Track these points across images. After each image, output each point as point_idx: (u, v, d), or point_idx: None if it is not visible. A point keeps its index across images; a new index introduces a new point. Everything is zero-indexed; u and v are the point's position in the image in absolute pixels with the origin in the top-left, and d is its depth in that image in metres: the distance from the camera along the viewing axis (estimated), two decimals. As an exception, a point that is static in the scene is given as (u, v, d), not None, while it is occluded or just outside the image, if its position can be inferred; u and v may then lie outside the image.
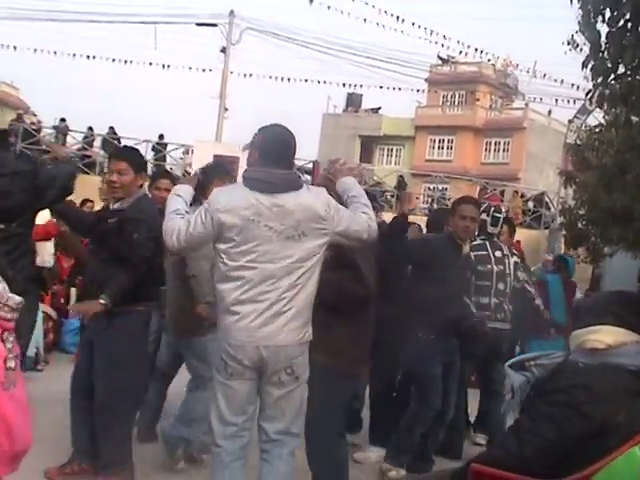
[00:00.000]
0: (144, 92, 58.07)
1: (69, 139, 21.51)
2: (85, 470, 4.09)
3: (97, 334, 4.02)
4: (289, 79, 25.73)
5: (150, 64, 25.29)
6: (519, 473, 2.38)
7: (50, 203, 4.24)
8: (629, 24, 4.56)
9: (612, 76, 4.96)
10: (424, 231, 6.06)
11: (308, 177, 14.91)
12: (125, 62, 24.95)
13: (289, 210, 3.16)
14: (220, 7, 24.29)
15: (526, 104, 36.43)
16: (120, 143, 19.67)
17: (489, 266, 5.44)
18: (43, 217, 5.39)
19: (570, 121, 19.96)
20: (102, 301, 3.84)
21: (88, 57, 24.80)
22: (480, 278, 5.41)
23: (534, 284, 7.48)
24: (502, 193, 23.07)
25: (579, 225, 12.85)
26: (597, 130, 12.95)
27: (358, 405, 5.31)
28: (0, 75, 34.67)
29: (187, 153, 20.76)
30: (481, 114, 39.33)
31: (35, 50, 24.62)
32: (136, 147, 4.90)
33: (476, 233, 5.38)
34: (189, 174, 16.97)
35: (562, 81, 22.25)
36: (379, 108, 41.67)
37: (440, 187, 26.99)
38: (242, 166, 4.05)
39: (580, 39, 5.54)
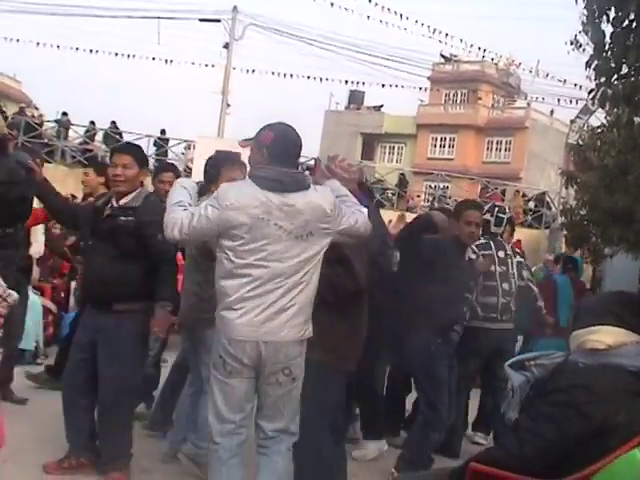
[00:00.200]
0: (146, 87, 58.15)
1: (71, 133, 21.52)
2: (83, 464, 4.09)
3: (103, 332, 3.97)
4: (291, 75, 25.70)
5: (153, 59, 25.26)
6: (519, 473, 2.38)
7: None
8: (634, 24, 4.55)
9: (615, 76, 4.95)
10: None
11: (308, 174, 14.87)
12: (128, 56, 25.00)
13: (299, 210, 3.16)
14: (223, 3, 24.28)
15: (528, 103, 36.41)
16: (122, 138, 19.72)
17: (492, 266, 5.44)
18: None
19: (572, 121, 19.93)
20: (168, 308, 3.88)
21: (91, 51, 24.82)
22: (486, 278, 5.41)
23: (542, 284, 7.52)
24: (503, 192, 23.08)
25: (580, 225, 12.84)
26: (599, 130, 12.93)
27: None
28: (2, 68, 34.73)
29: (189, 148, 20.77)
30: (483, 113, 39.30)
31: (38, 43, 24.67)
32: (137, 143, 4.88)
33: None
34: (190, 170, 17.03)
35: (565, 81, 22.27)
36: (381, 106, 41.65)
37: (441, 185, 27.01)
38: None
39: (583, 39, 5.53)
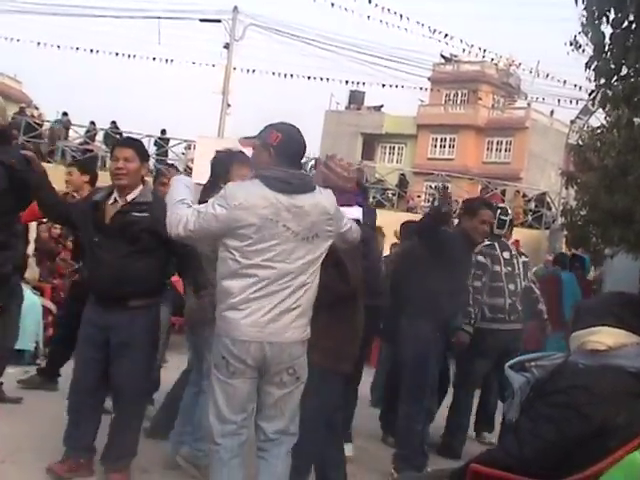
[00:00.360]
0: (147, 87, 58.13)
1: (71, 133, 21.52)
2: (83, 466, 4.08)
3: (117, 330, 3.94)
4: (292, 76, 25.67)
5: (153, 59, 25.23)
6: (519, 474, 2.38)
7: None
8: (633, 25, 4.55)
9: (615, 77, 4.95)
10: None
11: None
12: (128, 57, 24.99)
13: (306, 211, 3.17)
14: (224, 3, 24.24)
15: (528, 104, 36.40)
16: (122, 137, 19.67)
17: (498, 267, 5.45)
18: None
19: (572, 122, 19.92)
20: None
21: (91, 51, 24.80)
22: (492, 279, 5.42)
23: (545, 279, 7.53)
24: (503, 193, 23.06)
25: (580, 226, 12.82)
26: (599, 131, 12.91)
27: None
28: (3, 68, 34.73)
29: (189, 148, 20.76)
30: (483, 113, 39.31)
31: (38, 44, 24.65)
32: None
33: None
34: (191, 169, 17.03)
35: (565, 81, 22.26)
36: (381, 106, 41.67)
37: (442, 186, 26.96)
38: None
39: (583, 40, 5.53)
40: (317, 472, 3.91)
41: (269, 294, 3.13)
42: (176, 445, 4.43)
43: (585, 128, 16.84)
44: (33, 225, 6.22)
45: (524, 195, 22.82)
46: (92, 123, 21.47)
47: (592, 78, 5.23)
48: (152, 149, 20.15)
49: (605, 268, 12.64)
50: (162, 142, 21.03)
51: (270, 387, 3.24)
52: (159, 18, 23.63)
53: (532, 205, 21.71)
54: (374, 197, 21.61)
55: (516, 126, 37.77)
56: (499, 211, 5.80)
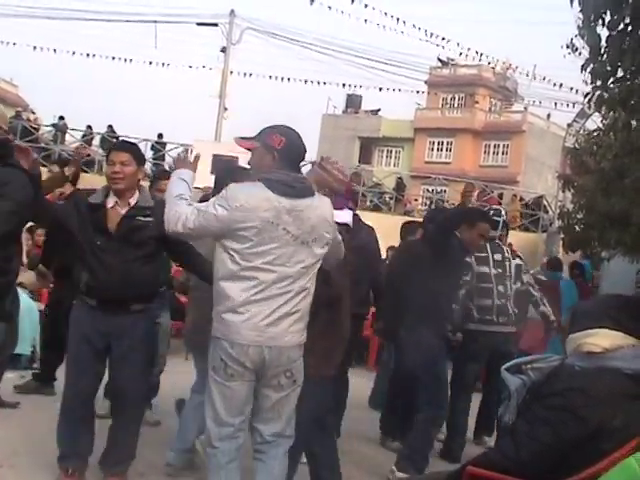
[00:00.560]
0: (144, 91, 58.11)
1: (68, 137, 21.51)
2: (75, 473, 4.05)
3: (120, 334, 3.92)
4: (289, 79, 25.74)
5: (150, 63, 25.24)
6: (515, 476, 2.38)
7: None
8: (629, 28, 4.56)
9: (611, 79, 4.96)
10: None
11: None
12: (125, 60, 24.94)
13: (306, 216, 3.18)
14: (221, 7, 24.31)
15: (525, 107, 36.45)
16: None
17: (486, 269, 5.44)
18: None
19: (569, 125, 19.94)
20: None
21: (88, 55, 24.79)
22: (480, 280, 5.42)
23: (546, 284, 7.50)
24: (500, 196, 23.07)
25: (577, 229, 12.82)
26: (595, 134, 12.92)
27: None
28: (-1, 72, 34.65)
29: (186, 152, 20.72)
30: (480, 117, 39.36)
31: (35, 47, 24.59)
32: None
33: None
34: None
35: (561, 85, 22.32)
36: (378, 110, 41.69)
37: (439, 189, 26.99)
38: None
39: (579, 43, 5.54)
40: (311, 473, 3.91)
41: (269, 298, 3.13)
42: (180, 453, 4.41)
43: (582, 131, 16.86)
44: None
45: (521, 198, 22.84)
46: (89, 127, 21.47)
47: (588, 81, 5.23)
48: (149, 153, 20.14)
49: (602, 271, 12.65)
50: (159, 146, 21.01)
51: (267, 390, 3.23)
52: (155, 22, 23.64)
53: (529, 208, 21.72)
54: (371, 201, 21.62)
55: (513, 129, 37.81)
56: (492, 212, 5.82)
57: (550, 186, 25.34)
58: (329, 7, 22.67)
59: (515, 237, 6.55)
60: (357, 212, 5.12)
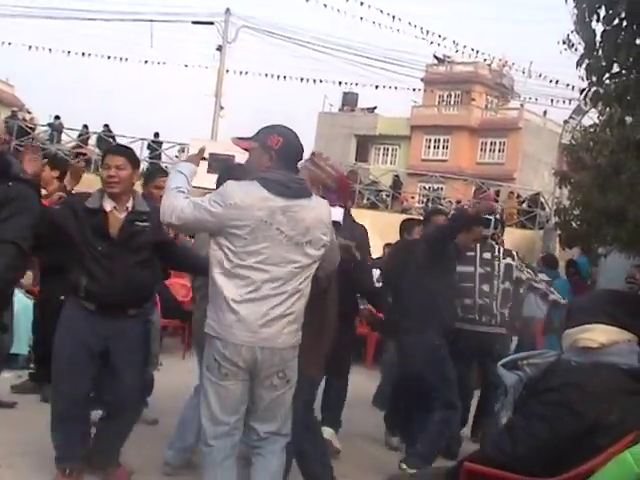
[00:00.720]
0: (139, 90, 57.99)
1: (64, 137, 21.50)
2: (73, 474, 4.05)
3: (119, 337, 3.93)
4: (285, 77, 25.69)
5: (146, 62, 25.23)
6: (512, 472, 2.38)
7: None
8: (624, 23, 4.55)
9: (607, 75, 4.94)
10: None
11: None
12: (120, 60, 24.93)
13: (301, 217, 3.18)
14: (216, 5, 24.26)
15: (521, 104, 36.46)
16: (115, 141, 19.67)
17: (471, 268, 5.41)
18: None
19: (565, 121, 19.97)
20: None
21: (83, 54, 24.76)
22: (462, 280, 5.38)
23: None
24: (497, 193, 23.10)
25: (573, 225, 12.85)
26: (592, 130, 12.95)
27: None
28: (-5, 72, 34.57)
29: (183, 151, 20.73)
30: (477, 114, 39.37)
31: (30, 47, 24.57)
32: (131, 146, 4.81)
33: None
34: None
35: (557, 81, 22.30)
36: (375, 107, 41.70)
37: (435, 187, 27.04)
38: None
39: (575, 39, 5.53)
40: (302, 470, 3.93)
41: (262, 298, 3.12)
42: (180, 452, 4.41)
43: (578, 128, 16.89)
44: None
45: (518, 195, 22.87)
46: (85, 127, 21.47)
47: (584, 77, 5.21)
48: (145, 152, 20.16)
49: (599, 267, 12.67)
50: (155, 145, 21.02)
51: (261, 390, 3.23)
52: (151, 21, 23.63)
53: (526, 205, 21.75)
54: (368, 199, 21.64)
55: (509, 127, 37.83)
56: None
57: (547, 183, 25.39)
58: (325, 5, 22.72)
59: (512, 234, 6.54)
60: (351, 210, 5.11)
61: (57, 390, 4.02)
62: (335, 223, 3.66)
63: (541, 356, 2.71)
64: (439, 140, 39.60)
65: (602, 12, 4.64)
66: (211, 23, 22.98)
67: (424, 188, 28.16)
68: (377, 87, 26.43)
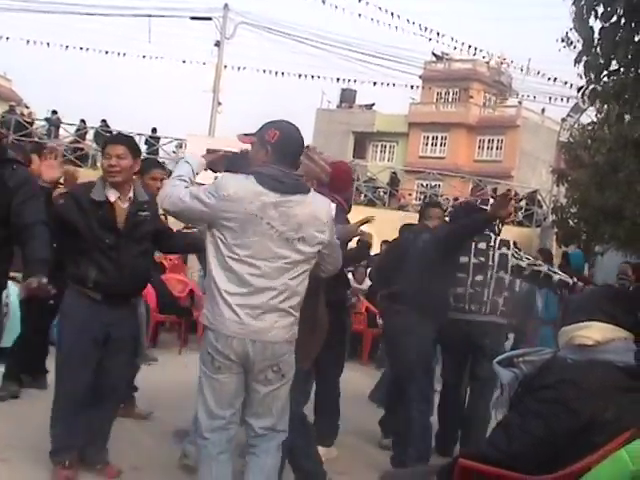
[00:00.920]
0: (137, 85, 57.86)
1: (61, 131, 21.46)
2: (73, 466, 4.05)
3: (119, 326, 3.99)
4: (283, 73, 25.67)
5: (143, 57, 25.25)
6: (507, 469, 2.38)
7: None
8: (622, 20, 4.54)
9: (605, 72, 4.93)
10: None
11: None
12: (118, 54, 24.92)
13: (294, 212, 3.17)
14: (214, 1, 24.24)
15: (519, 102, 36.49)
16: (112, 136, 19.59)
17: (466, 258, 5.38)
18: None
19: (563, 119, 19.99)
20: None
21: (81, 49, 24.74)
22: (457, 270, 5.36)
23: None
24: (495, 191, 23.10)
25: (571, 223, 12.87)
26: (590, 128, 12.96)
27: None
28: (-8, 66, 34.53)
29: (180, 147, 20.72)
30: (475, 111, 39.38)
31: (28, 41, 24.49)
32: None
33: None
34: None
35: (555, 79, 22.31)
36: (373, 104, 41.69)
37: (433, 184, 27.00)
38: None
39: (574, 36, 5.52)
40: (291, 464, 3.92)
41: (252, 291, 3.13)
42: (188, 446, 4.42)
43: (576, 126, 16.88)
44: None
45: (515, 193, 22.89)
46: (82, 121, 21.43)
47: (582, 74, 5.20)
48: (143, 148, 20.09)
49: (596, 266, 12.69)
50: (153, 140, 20.99)
51: (255, 384, 3.23)
52: (149, 16, 23.61)
53: (523, 203, 21.76)
54: (365, 195, 21.64)
55: (507, 124, 37.84)
56: (479, 201, 5.78)
57: (544, 181, 25.39)
58: (323, 1, 22.69)
59: (509, 232, 6.47)
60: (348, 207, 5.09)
61: (63, 379, 4.02)
62: None
63: (537, 353, 2.71)
64: (437, 137, 39.61)
65: (600, 9, 4.63)
66: (209, 19, 22.96)
67: (421, 185, 28.11)
68: (375, 84, 26.44)
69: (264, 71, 25.72)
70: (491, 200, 5.80)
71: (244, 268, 3.12)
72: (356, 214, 5.32)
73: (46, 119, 21.87)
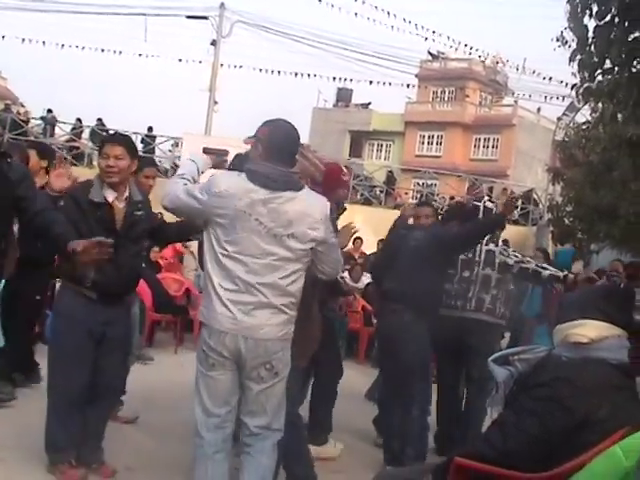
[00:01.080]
0: (133, 84, 57.66)
1: (57, 130, 21.42)
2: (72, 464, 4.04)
3: (115, 324, 4.00)
4: (279, 72, 25.67)
5: (139, 56, 25.22)
6: (503, 467, 2.38)
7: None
8: (616, 19, 4.55)
9: (599, 71, 4.94)
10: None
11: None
12: (114, 52, 24.85)
13: (284, 209, 3.17)
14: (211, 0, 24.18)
15: (515, 101, 36.52)
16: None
17: None
18: None
19: (559, 118, 20.02)
20: None
21: (77, 47, 24.70)
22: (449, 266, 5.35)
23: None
24: (491, 189, 23.15)
25: (566, 222, 12.90)
26: (584, 127, 12.98)
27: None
28: (-12, 65, 34.42)
29: (176, 146, 20.72)
30: (470, 110, 39.38)
31: (23, 40, 24.45)
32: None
33: None
34: (177, 167, 16.91)
35: (551, 78, 22.36)
36: (369, 103, 41.67)
37: (429, 183, 27.03)
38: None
39: (569, 36, 5.51)
40: (285, 469, 3.91)
41: (243, 288, 3.15)
42: None
43: (571, 125, 16.91)
44: None
45: (511, 192, 22.91)
46: (78, 120, 21.38)
47: (577, 73, 5.21)
48: (139, 146, 20.07)
49: (590, 263, 12.70)
50: (149, 139, 20.96)
51: (248, 382, 3.24)
52: (145, 15, 23.54)
53: (519, 202, 21.80)
54: (362, 194, 21.64)
55: (503, 123, 37.85)
56: (474, 199, 5.75)
57: (540, 179, 25.45)
58: (319, 0, 22.67)
59: (505, 230, 6.45)
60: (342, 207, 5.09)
61: (59, 378, 4.00)
62: None
63: (532, 351, 2.72)
64: (433, 136, 39.62)
65: (595, 8, 4.64)
66: (205, 17, 22.90)
67: (418, 184, 28.12)
68: (371, 83, 26.46)
69: (260, 70, 25.70)
70: (486, 197, 5.76)
71: (234, 264, 3.14)
72: (352, 213, 5.35)
73: (42, 118, 21.82)
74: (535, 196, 21.34)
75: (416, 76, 36.02)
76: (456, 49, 24.64)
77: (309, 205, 3.25)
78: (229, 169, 4.13)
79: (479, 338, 5.15)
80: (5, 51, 61.28)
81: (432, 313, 4.88)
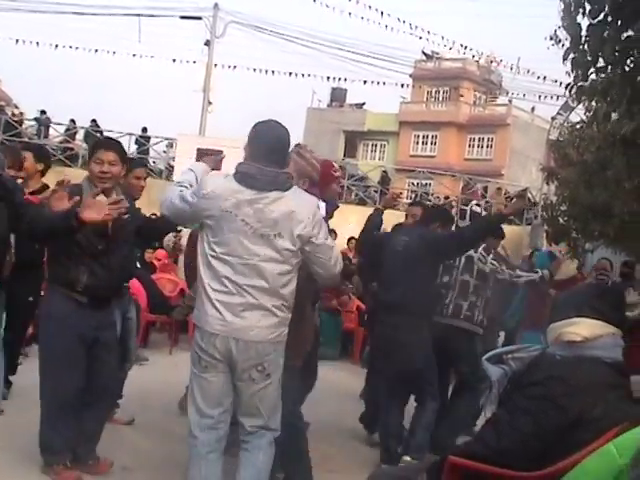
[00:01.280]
0: (127, 84, 57.59)
1: (51, 131, 21.37)
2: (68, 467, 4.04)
3: (106, 327, 4.07)
4: (273, 72, 25.65)
5: (133, 56, 25.21)
6: (497, 466, 2.38)
7: None
8: (609, 17, 4.55)
9: (592, 69, 4.94)
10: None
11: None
12: (108, 52, 24.80)
13: (270, 209, 3.17)
14: (204, 0, 24.11)
15: (509, 100, 36.58)
16: (102, 136, 19.54)
17: None
18: None
19: (553, 118, 20.04)
20: None
21: (71, 47, 24.65)
22: None
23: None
24: (485, 189, 23.18)
25: (560, 221, 12.90)
26: (578, 127, 12.98)
27: None
28: (-19, 66, 34.33)
29: (170, 146, 20.67)
30: (465, 110, 39.45)
31: (17, 41, 24.43)
32: (119, 141, 4.77)
33: None
34: (172, 167, 16.86)
35: (545, 78, 22.42)
36: (363, 103, 41.69)
37: (424, 182, 27.03)
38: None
39: (563, 35, 5.52)
40: (284, 469, 3.92)
41: (233, 289, 3.15)
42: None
43: (565, 124, 16.93)
44: None
45: (506, 191, 22.93)
46: (72, 121, 21.35)
47: (570, 71, 5.21)
48: (133, 147, 20.05)
49: (585, 262, 12.71)
50: (143, 140, 20.92)
51: (240, 384, 3.25)
52: (139, 15, 23.50)
53: (514, 201, 21.82)
54: (356, 194, 21.65)
55: (497, 123, 37.93)
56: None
57: (534, 179, 25.45)
58: (313, 0, 22.66)
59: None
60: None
61: (50, 381, 4.00)
62: None
63: (526, 350, 2.71)
64: (427, 136, 39.66)
65: (588, 6, 4.64)
66: (199, 18, 22.86)
67: (412, 184, 28.12)
68: (365, 83, 26.44)
69: (254, 70, 25.68)
70: (473, 201, 5.86)
71: (222, 265, 3.15)
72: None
73: (35, 119, 21.76)
74: (530, 195, 21.37)
75: (410, 76, 36.02)
76: (450, 49, 24.70)
77: (297, 205, 3.23)
78: None
79: (454, 344, 5.17)
80: (-2, 52, 61.01)
81: (431, 314, 4.91)
